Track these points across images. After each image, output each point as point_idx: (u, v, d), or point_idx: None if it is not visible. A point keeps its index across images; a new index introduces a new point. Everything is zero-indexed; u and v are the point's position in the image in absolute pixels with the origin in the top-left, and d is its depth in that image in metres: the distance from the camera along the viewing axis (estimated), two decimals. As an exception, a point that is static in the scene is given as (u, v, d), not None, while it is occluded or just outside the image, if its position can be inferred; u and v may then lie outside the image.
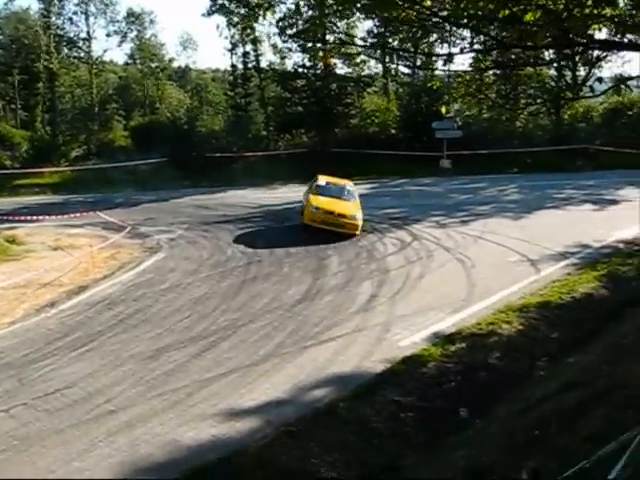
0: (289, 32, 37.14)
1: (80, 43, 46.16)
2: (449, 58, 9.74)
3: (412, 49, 34.98)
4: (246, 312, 13.69)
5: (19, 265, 18.12)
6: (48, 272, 16.97)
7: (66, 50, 47.04)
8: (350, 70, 43.12)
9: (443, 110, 19.51)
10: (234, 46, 42.84)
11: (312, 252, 18.57)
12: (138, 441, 8.69)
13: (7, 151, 40.07)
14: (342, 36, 33.64)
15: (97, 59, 46.45)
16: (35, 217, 22.83)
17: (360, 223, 20.71)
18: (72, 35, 46.13)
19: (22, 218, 22.88)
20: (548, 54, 18.49)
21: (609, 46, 11.19)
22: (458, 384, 10.20)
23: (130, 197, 30.70)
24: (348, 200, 21.95)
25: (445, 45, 38.88)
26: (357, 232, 20.45)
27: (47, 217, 23.18)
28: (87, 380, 10.56)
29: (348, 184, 23.61)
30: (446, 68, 11.24)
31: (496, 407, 9.34)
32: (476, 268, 16.41)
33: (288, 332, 12.46)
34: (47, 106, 46.15)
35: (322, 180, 23.42)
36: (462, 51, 12.68)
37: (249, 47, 42.85)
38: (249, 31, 42.04)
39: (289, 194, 29.72)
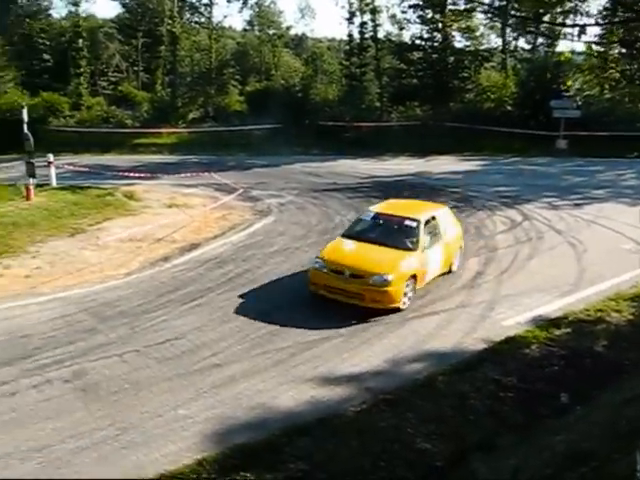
0: None
1: (202, 9, 47.40)
2: (582, 29, 9.45)
3: (535, 21, 33.77)
4: (351, 280, 13.78)
5: (136, 220, 18.99)
6: (162, 228, 17.71)
7: (188, 15, 48.36)
8: (468, 43, 42.32)
9: (568, 83, 18.74)
10: (352, 15, 42.82)
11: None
12: (241, 395, 9.00)
13: (129, 111, 41.78)
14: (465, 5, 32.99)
15: (217, 25, 47.42)
16: (152, 175, 23.71)
17: (397, 288, 11.88)
18: (194, 0, 47.35)
19: (140, 175, 23.83)
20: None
21: None
22: (561, 369, 10.03)
23: (243, 161, 31.52)
24: (399, 246, 12.70)
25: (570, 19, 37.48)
26: (392, 305, 11.92)
27: (164, 175, 24.02)
28: (195, 333, 11.02)
29: (420, 215, 13.54)
30: (576, 40, 10.88)
31: (599, 395, 9.14)
32: (587, 253, 15.91)
33: (391, 303, 12.48)
34: (168, 69, 47.65)
35: (374, 208, 14.43)
36: (597, 23, 12.23)
37: (367, 17, 42.70)
38: (368, 0, 41.79)
39: (400, 166, 29.75)
